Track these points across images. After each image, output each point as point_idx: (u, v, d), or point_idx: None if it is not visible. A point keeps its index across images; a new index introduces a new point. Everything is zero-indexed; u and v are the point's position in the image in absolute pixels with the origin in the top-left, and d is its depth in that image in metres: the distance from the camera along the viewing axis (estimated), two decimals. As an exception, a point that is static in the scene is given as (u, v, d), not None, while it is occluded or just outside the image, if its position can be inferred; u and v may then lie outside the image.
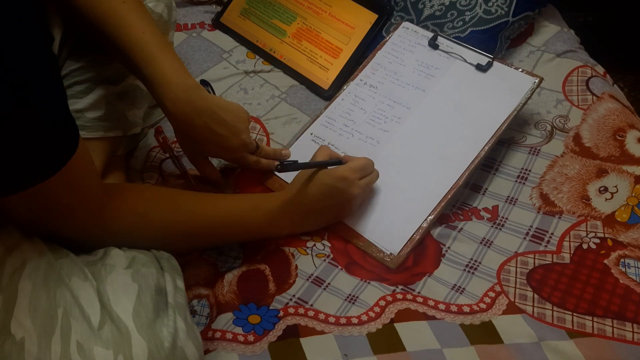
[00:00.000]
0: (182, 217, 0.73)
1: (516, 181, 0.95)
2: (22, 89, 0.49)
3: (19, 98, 0.49)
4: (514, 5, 1.08)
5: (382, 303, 0.78)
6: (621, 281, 0.80)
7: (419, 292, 0.80)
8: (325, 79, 1.12)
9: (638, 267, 0.81)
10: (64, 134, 0.56)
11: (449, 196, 0.88)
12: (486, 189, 0.94)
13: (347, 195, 0.82)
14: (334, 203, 0.83)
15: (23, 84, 0.49)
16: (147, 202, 0.71)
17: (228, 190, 0.93)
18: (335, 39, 1.14)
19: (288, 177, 0.94)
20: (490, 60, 0.99)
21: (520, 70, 0.97)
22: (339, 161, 0.84)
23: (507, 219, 0.90)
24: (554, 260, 0.83)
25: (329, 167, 0.82)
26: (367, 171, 0.85)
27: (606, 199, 0.90)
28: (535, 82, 0.95)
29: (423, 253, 0.85)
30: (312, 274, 0.82)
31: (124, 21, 0.75)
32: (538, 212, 0.90)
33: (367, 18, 1.14)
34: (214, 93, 1.08)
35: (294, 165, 0.80)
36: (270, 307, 0.77)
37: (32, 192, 0.55)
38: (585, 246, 0.85)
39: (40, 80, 0.52)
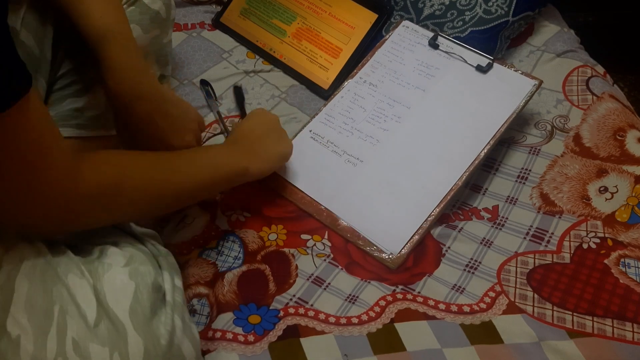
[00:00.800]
0: (156, 181, 0.67)
1: (516, 181, 0.95)
2: None
3: None
4: (514, 5, 1.08)
5: (382, 303, 0.78)
6: (621, 281, 0.80)
7: (419, 292, 0.80)
8: (325, 79, 1.12)
9: (638, 267, 0.81)
10: (11, 75, 0.50)
11: (449, 197, 0.88)
12: (486, 188, 0.94)
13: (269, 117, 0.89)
14: (263, 129, 0.86)
15: None
16: (126, 160, 0.65)
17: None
18: (335, 38, 1.14)
19: (287, 174, 0.94)
20: (491, 61, 0.99)
21: (520, 72, 0.97)
22: None
23: (507, 218, 0.90)
24: (554, 260, 0.83)
25: None
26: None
27: (606, 199, 0.90)
28: (534, 84, 0.95)
29: (423, 253, 0.85)
30: (312, 274, 0.82)
31: (85, 5, 0.72)
32: (538, 212, 0.90)
33: (367, 18, 1.14)
34: (214, 93, 1.08)
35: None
36: (271, 307, 0.77)
37: None
38: (585, 246, 0.85)
39: None
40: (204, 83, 1.09)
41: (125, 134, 0.81)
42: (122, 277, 0.60)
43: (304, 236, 0.87)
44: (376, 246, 0.85)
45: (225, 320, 0.75)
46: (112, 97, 0.74)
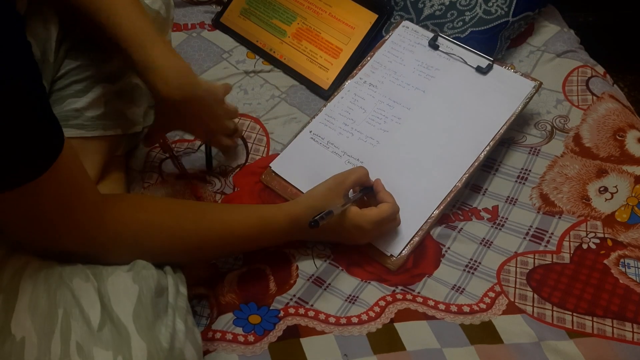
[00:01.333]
0: (186, 228, 0.70)
1: (516, 181, 0.95)
2: (4, 84, 0.48)
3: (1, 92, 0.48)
4: (514, 5, 1.08)
5: (382, 303, 0.78)
6: (621, 281, 0.80)
7: (418, 292, 0.80)
8: (325, 79, 1.12)
9: (638, 267, 0.81)
10: (48, 131, 0.54)
11: (449, 198, 0.88)
12: (486, 189, 0.94)
13: (356, 241, 0.84)
14: (342, 238, 0.83)
15: (6, 78, 0.48)
16: (149, 212, 0.68)
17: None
18: (335, 39, 1.14)
19: (288, 175, 0.94)
20: (491, 63, 0.99)
21: (519, 74, 0.97)
22: (370, 189, 0.85)
23: (507, 219, 0.90)
24: (554, 260, 0.83)
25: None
26: (390, 224, 0.84)
27: (606, 199, 0.90)
28: (534, 86, 0.95)
29: (423, 253, 0.85)
30: (312, 274, 0.82)
31: (113, 9, 0.75)
32: (538, 212, 0.90)
33: (367, 18, 1.14)
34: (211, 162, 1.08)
35: (328, 218, 0.75)
36: (271, 308, 0.77)
37: (20, 196, 0.53)
38: (585, 246, 0.85)
39: (22, 76, 0.51)
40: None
41: (163, 122, 0.86)
42: (126, 281, 0.61)
43: (304, 236, 0.87)
44: (376, 248, 0.85)
45: (225, 320, 0.75)
46: (159, 99, 0.78)
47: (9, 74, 0.49)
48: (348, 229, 0.80)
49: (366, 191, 0.85)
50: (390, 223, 0.84)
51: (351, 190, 0.84)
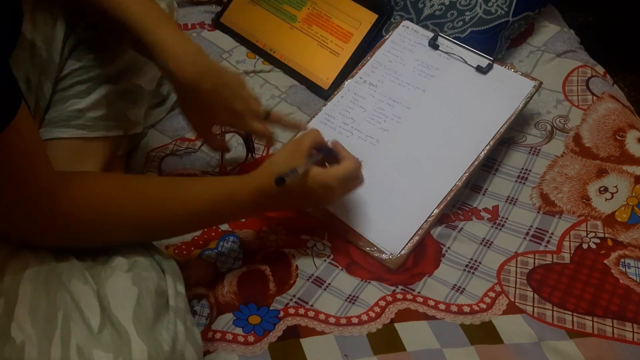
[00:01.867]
0: (150, 206, 0.67)
1: (516, 181, 0.95)
2: None
3: None
4: (514, 5, 1.08)
5: (382, 303, 0.78)
6: (621, 281, 0.80)
7: (419, 292, 0.80)
8: (326, 79, 1.12)
9: (638, 267, 0.81)
10: (3, 97, 0.52)
11: (449, 197, 0.88)
12: (486, 189, 0.94)
13: (325, 200, 0.83)
14: (310, 201, 0.82)
15: None
16: (110, 190, 0.64)
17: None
18: (346, 23, 1.14)
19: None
20: (491, 62, 0.99)
21: (519, 73, 0.97)
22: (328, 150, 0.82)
23: (507, 219, 0.90)
24: (554, 260, 0.83)
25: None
26: (354, 181, 0.83)
27: (606, 199, 0.90)
28: (534, 85, 0.95)
29: (423, 253, 0.85)
30: (312, 274, 0.82)
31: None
32: (538, 212, 0.90)
33: (367, 18, 1.14)
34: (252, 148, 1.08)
35: (290, 176, 0.74)
36: (271, 308, 0.77)
37: None
38: (585, 246, 0.85)
39: None
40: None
41: (191, 110, 0.84)
42: (125, 283, 0.60)
43: (304, 237, 0.87)
44: (376, 247, 0.85)
45: (225, 321, 0.75)
46: (175, 80, 0.77)
47: None
48: (314, 190, 0.77)
49: (326, 152, 0.83)
50: (354, 181, 0.82)
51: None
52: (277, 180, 0.72)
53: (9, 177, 0.55)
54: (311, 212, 0.90)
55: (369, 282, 0.81)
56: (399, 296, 0.79)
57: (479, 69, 0.98)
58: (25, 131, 0.55)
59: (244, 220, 0.89)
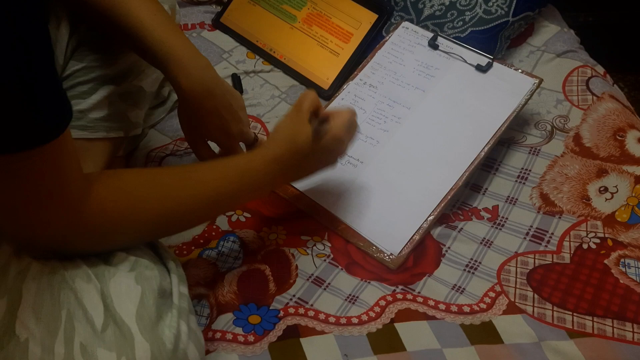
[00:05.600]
0: (172, 196, 0.66)
1: (516, 181, 0.95)
2: (23, 59, 0.47)
3: (19, 67, 0.47)
4: (514, 5, 1.08)
5: (382, 303, 0.78)
6: (621, 281, 0.80)
7: (419, 292, 0.80)
8: (326, 79, 1.12)
9: (638, 267, 0.81)
10: (59, 109, 0.53)
11: (449, 197, 0.88)
12: (486, 189, 0.94)
13: (337, 154, 0.83)
14: (323, 160, 0.82)
15: (25, 53, 0.47)
16: (133, 187, 0.63)
17: None
18: (346, 23, 1.14)
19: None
20: (490, 61, 0.99)
21: (520, 71, 0.97)
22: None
23: (507, 219, 0.90)
24: (554, 260, 0.83)
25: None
26: (354, 127, 0.84)
27: (606, 199, 0.90)
28: (535, 83, 0.95)
29: (423, 253, 0.85)
30: (312, 274, 0.82)
31: (132, 6, 0.75)
32: (538, 212, 0.90)
33: (367, 18, 1.14)
34: (241, 89, 1.09)
35: (323, 129, 0.77)
36: (271, 307, 0.77)
37: (14, 168, 0.51)
38: (585, 246, 0.85)
39: (39, 51, 0.49)
40: (236, 77, 1.08)
41: (187, 123, 0.84)
42: (128, 282, 0.60)
43: (304, 237, 0.87)
44: (376, 246, 0.85)
45: (225, 320, 0.75)
46: (182, 92, 0.78)
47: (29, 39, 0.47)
48: (327, 146, 0.78)
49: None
50: (354, 126, 0.83)
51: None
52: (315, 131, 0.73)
53: (47, 185, 0.54)
54: (311, 212, 0.90)
55: (369, 282, 0.81)
56: (399, 296, 0.79)
57: (478, 67, 0.98)
58: (69, 139, 0.55)
59: (244, 220, 0.89)
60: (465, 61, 1.00)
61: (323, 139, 0.78)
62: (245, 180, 0.72)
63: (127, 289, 0.60)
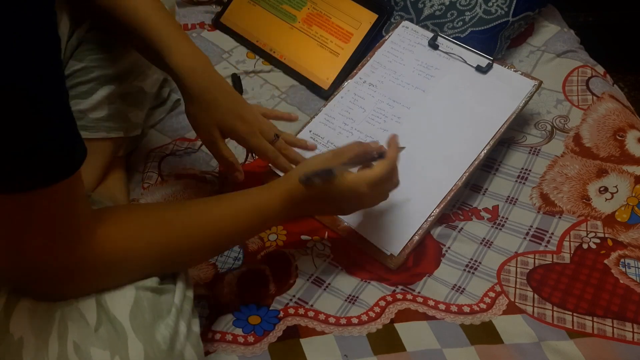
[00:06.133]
0: (176, 233, 0.64)
1: (516, 181, 0.95)
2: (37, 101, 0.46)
3: (35, 108, 0.46)
4: (514, 5, 1.08)
5: (382, 303, 0.78)
6: (621, 281, 0.80)
7: (419, 292, 0.80)
8: (325, 79, 1.12)
9: (638, 267, 0.81)
10: (73, 148, 0.52)
11: (449, 197, 0.88)
12: (486, 189, 0.94)
13: (356, 207, 0.79)
14: (339, 207, 0.79)
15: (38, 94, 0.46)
16: (137, 223, 0.62)
17: (227, 188, 0.93)
18: (346, 23, 1.14)
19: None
20: (490, 62, 0.99)
21: (519, 73, 0.97)
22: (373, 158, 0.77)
23: (507, 219, 0.90)
24: (554, 260, 0.83)
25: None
26: (389, 183, 0.79)
27: (606, 199, 0.90)
28: (534, 85, 0.95)
29: (423, 253, 0.85)
30: (312, 274, 0.82)
31: (137, 2, 0.77)
32: (538, 212, 0.90)
33: (367, 18, 1.14)
34: (241, 89, 1.09)
35: (323, 176, 0.70)
36: (271, 308, 0.77)
37: (22, 204, 0.50)
38: (585, 246, 0.85)
39: (54, 90, 0.48)
40: (236, 77, 1.08)
41: (198, 118, 0.83)
42: None
43: (304, 237, 0.87)
44: (376, 247, 0.85)
45: (225, 321, 0.75)
46: (184, 84, 0.79)
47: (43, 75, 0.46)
48: (343, 194, 0.73)
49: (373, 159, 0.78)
50: (386, 183, 0.78)
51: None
52: (303, 179, 0.69)
53: (56, 222, 0.53)
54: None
55: (369, 282, 0.81)
56: (399, 296, 0.79)
57: (478, 68, 0.98)
58: (79, 180, 0.54)
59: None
60: (465, 62, 1.00)
61: (340, 184, 0.73)
62: (260, 218, 0.71)
63: (121, 288, 0.60)
